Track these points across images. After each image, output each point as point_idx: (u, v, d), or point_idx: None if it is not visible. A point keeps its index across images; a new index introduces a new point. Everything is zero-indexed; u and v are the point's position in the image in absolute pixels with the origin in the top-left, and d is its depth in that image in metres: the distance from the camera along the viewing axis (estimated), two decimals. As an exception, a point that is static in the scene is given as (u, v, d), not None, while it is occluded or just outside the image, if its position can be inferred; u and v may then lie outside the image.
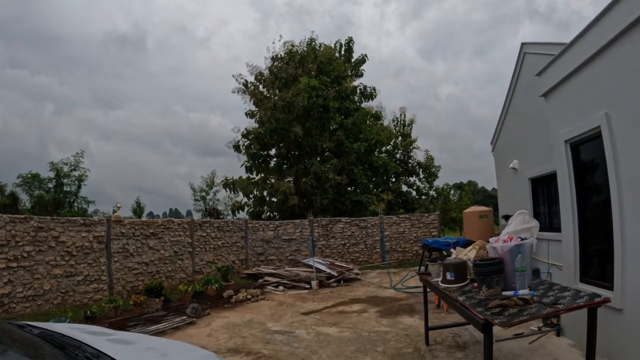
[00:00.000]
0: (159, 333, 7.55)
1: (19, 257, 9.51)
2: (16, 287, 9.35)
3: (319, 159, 22.20)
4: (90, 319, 8.55)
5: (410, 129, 25.94)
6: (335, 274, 12.86)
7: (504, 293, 4.05)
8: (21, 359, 1.77)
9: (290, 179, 22.39)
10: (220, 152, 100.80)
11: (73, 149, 76.84)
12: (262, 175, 23.32)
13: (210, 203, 24.58)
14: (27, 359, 1.78)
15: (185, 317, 8.87)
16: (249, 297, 10.91)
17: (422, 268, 10.69)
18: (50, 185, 21.48)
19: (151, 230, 12.83)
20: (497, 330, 3.53)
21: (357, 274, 13.75)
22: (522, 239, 4.46)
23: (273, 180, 22.28)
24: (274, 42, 34.63)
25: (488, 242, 4.90)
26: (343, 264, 14.32)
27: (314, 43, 24.30)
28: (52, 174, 21.52)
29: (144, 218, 22.37)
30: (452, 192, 28.34)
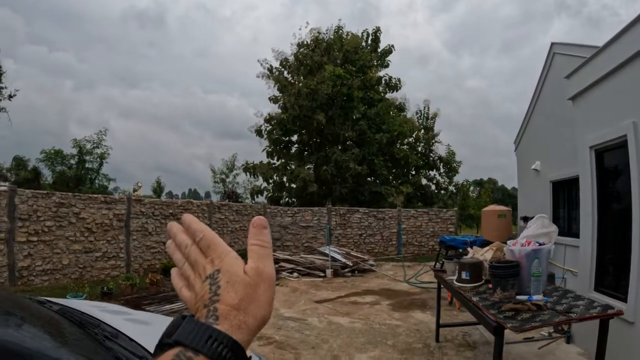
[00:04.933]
0: (173, 312, 7.66)
1: (40, 231, 9.80)
2: (35, 261, 9.66)
3: (340, 147, 22.18)
4: (106, 295, 8.76)
5: (434, 122, 25.72)
6: (350, 264, 12.93)
7: (518, 297, 4.07)
8: (40, 334, 1.78)
9: (310, 166, 22.46)
10: (240, 135, 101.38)
11: (93, 126, 78.05)
12: (283, 161, 23.42)
13: (230, 186, 24.73)
14: (46, 335, 1.80)
15: None
16: None
17: (438, 265, 10.67)
18: (72, 161, 21.82)
19: (170, 211, 13.09)
20: (507, 332, 3.55)
21: (372, 265, 13.79)
22: (540, 244, 4.46)
23: (293, 167, 22.42)
24: (300, 29, 34.32)
25: (505, 243, 4.90)
26: (358, 254, 14.38)
27: (340, 31, 24.14)
28: (74, 151, 21.86)
29: (163, 198, 22.68)
30: (471, 188, 28.07)
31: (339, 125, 21.85)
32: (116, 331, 2.20)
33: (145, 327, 2.64)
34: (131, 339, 2.14)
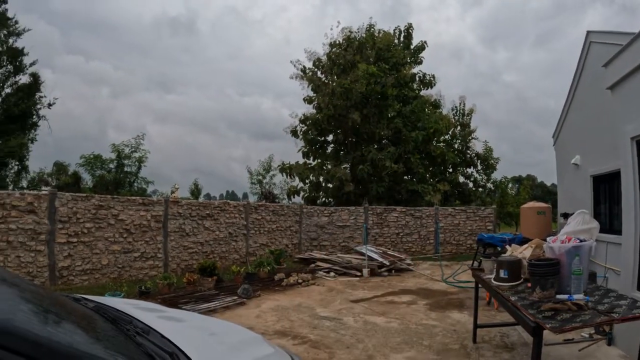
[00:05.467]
0: (210, 312, 7.80)
1: (79, 232, 10.14)
2: (75, 261, 10.00)
3: (376, 146, 22.02)
4: (144, 294, 8.92)
5: (470, 118, 25.13)
6: (387, 263, 12.84)
7: (558, 296, 3.93)
8: (74, 330, 1.82)
9: (346, 165, 22.34)
10: (275, 136, 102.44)
11: (130, 131, 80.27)
12: (319, 161, 23.42)
13: (267, 187, 24.96)
14: (80, 331, 1.85)
15: (235, 298, 9.11)
16: (299, 281, 11.06)
17: (476, 263, 10.47)
18: (111, 165, 22.50)
19: (207, 212, 13.30)
20: (546, 333, 3.43)
21: (409, 264, 13.66)
22: (580, 241, 4.29)
23: (329, 166, 22.34)
24: (331, 29, 34.47)
25: (545, 241, 4.75)
26: (395, 254, 14.26)
27: (372, 29, 23.99)
28: (113, 155, 22.52)
29: (201, 199, 23.10)
30: (510, 185, 27.34)
31: (374, 123, 21.71)
32: (148, 327, 2.25)
33: (177, 323, 2.69)
34: (162, 335, 2.18)
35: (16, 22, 22.39)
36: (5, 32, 21.98)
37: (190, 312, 4.32)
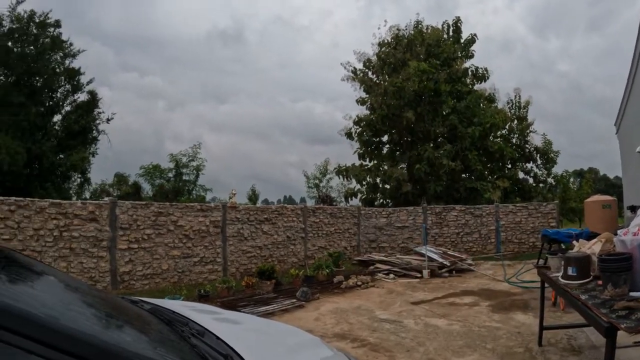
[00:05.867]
0: (268, 314, 7.85)
1: (140, 239, 10.59)
2: (136, 266, 10.45)
3: (432, 144, 21.69)
4: (203, 298, 9.11)
5: (526, 111, 24.16)
6: (448, 264, 12.55)
7: (632, 294, 3.63)
8: (129, 331, 1.85)
9: (403, 165, 22.14)
10: (329, 139, 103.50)
11: (187, 141, 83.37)
12: (375, 162, 23.32)
13: (324, 190, 25.17)
14: (136, 332, 1.88)
15: (294, 300, 9.14)
16: (359, 283, 11.00)
17: (541, 261, 10.00)
18: (170, 174, 23.46)
19: (265, 216, 13.55)
20: (618, 335, 3.19)
21: (470, 264, 13.27)
22: (655, 233, 3.96)
23: (386, 167, 22.21)
24: (379, 28, 34.13)
25: (615, 234, 4.43)
26: (456, 254, 13.91)
27: (420, 26, 23.70)
28: (171, 165, 23.45)
29: (258, 204, 23.55)
30: (571, 180, 26.07)
31: (429, 121, 21.39)
32: (203, 329, 2.24)
33: (233, 326, 2.69)
34: (217, 337, 2.17)
35: (71, 44, 23.74)
36: (61, 54, 23.31)
37: (247, 315, 4.31)
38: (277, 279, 10.97)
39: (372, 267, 13.12)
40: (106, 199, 11.87)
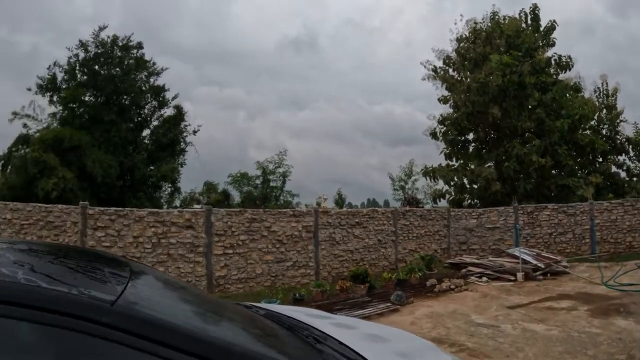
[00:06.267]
0: (364, 318, 7.87)
1: (235, 244, 11.25)
2: (231, 271, 11.13)
3: (519, 140, 20.96)
4: (298, 301, 9.35)
5: (615, 99, 22.71)
6: (542, 266, 12.42)
7: None
8: (262, 337, 1.98)
9: (490, 164, 21.70)
10: (411, 140, 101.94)
11: (269, 149, 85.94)
12: (461, 161, 22.97)
13: (409, 192, 25.23)
14: (273, 339, 2.01)
15: (389, 304, 9.30)
16: (452, 286, 11.06)
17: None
18: (257, 181, 24.51)
19: (356, 220, 13.83)
20: None
21: (565, 266, 13.03)
22: None
23: (473, 166, 21.86)
24: (455, 23, 32.92)
25: None
26: (550, 255, 13.69)
27: (497, 17, 22.94)
28: (258, 172, 24.53)
29: (344, 209, 24.14)
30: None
31: (515, 116, 20.75)
32: (324, 335, 2.26)
33: (350, 330, 2.65)
34: (340, 342, 2.18)
35: (154, 64, 25.48)
36: (145, 73, 25.13)
37: (358, 319, 4.51)
38: (370, 282, 11.18)
39: (464, 270, 13.14)
40: (197, 207, 12.73)
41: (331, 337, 2.25)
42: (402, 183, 25.43)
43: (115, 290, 1.54)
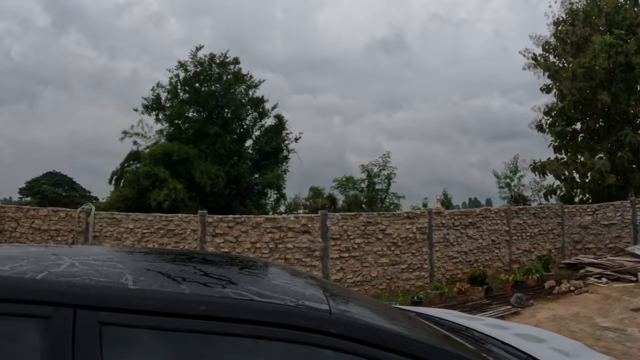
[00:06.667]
0: None
1: (350, 248, 11.51)
2: (347, 274, 11.25)
3: (631, 127, 19.61)
4: (416, 304, 9.39)
5: None
6: (666, 265, 11.69)
7: None
8: (449, 339, 1.95)
9: (601, 155, 20.42)
10: (511, 134, 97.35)
11: (367, 152, 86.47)
12: (570, 154, 21.84)
13: (516, 189, 24.42)
14: (465, 344, 1.98)
15: (509, 307, 9.29)
16: (571, 288, 10.81)
17: None
18: (362, 185, 24.90)
19: (470, 220, 13.56)
20: None
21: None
22: None
23: (582, 159, 20.68)
24: (550, 5, 31.58)
25: None
26: (674, 253, 12.79)
27: (593, -7, 21.49)
28: (363, 175, 24.93)
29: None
30: None
31: (625, 101, 19.66)
32: (484, 335, 2.29)
33: (505, 331, 2.64)
34: (503, 342, 2.21)
35: (251, 77, 27.13)
36: (244, 86, 26.76)
37: (501, 320, 4.56)
38: (488, 284, 11.19)
39: (582, 271, 12.76)
40: (300, 212, 13.04)
41: (491, 337, 2.27)
42: (508, 180, 24.65)
43: (321, 299, 1.55)
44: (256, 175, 26.35)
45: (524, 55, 23.09)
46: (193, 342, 1.30)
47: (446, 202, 26.06)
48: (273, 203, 28.13)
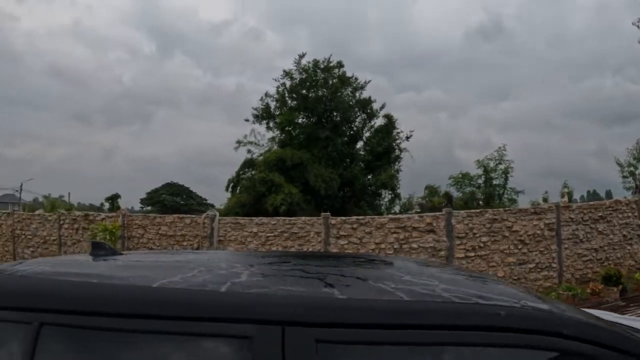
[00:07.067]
0: None
1: (476, 247, 11.08)
2: None
3: None
4: None
5: None
6: None
7: None
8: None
9: None
10: (628, 116, 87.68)
11: (476, 147, 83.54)
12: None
13: (640, 178, 22.15)
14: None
15: None
16: None
17: None
18: (479, 181, 23.95)
19: (599, 214, 12.21)
20: None
21: None
22: None
23: None
24: None
25: None
26: None
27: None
28: (479, 171, 23.97)
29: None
30: None
31: None
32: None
33: None
34: None
35: (356, 79, 26.99)
36: (350, 89, 26.63)
37: None
38: (623, 284, 10.31)
39: None
40: (412, 212, 12.65)
41: None
42: (631, 169, 22.45)
43: (534, 298, 1.48)
44: (369, 177, 26.35)
45: (638, 27, 20.67)
46: (418, 356, 1.21)
47: (569, 196, 24.27)
48: (387, 203, 28.06)
